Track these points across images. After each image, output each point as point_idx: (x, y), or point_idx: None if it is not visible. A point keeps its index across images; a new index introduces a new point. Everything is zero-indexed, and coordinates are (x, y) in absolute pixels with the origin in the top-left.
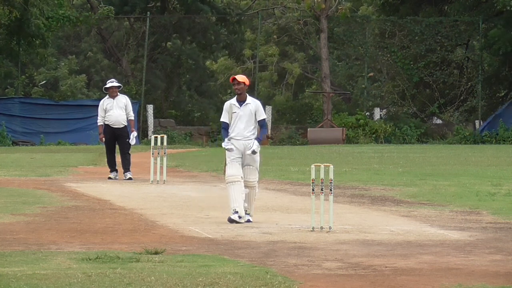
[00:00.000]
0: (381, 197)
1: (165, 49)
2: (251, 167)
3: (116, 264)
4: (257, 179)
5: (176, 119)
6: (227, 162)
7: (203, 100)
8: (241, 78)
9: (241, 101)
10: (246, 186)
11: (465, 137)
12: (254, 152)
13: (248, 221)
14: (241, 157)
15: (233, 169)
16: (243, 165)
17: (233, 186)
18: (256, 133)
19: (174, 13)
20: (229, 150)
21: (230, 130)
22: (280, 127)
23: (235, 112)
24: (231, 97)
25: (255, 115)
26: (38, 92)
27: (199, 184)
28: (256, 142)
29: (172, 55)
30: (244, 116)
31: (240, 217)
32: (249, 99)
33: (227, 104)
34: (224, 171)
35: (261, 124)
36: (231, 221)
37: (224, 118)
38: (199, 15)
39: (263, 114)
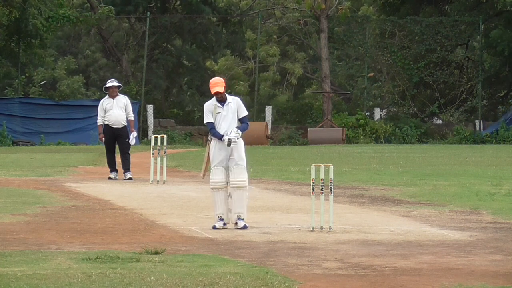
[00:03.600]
0: (381, 197)
1: (166, 49)
2: (239, 166)
3: (116, 264)
4: (247, 179)
5: (176, 119)
6: (212, 166)
7: (204, 100)
8: (222, 86)
9: (222, 101)
10: (236, 187)
11: (465, 137)
12: (229, 140)
13: (245, 227)
14: (227, 159)
15: (217, 175)
16: (231, 165)
17: (217, 193)
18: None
19: (175, 14)
20: (233, 141)
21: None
22: (280, 127)
23: (219, 113)
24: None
25: (238, 112)
26: (37, 92)
27: (199, 184)
28: (236, 131)
29: (173, 55)
30: (227, 116)
31: (225, 224)
32: (229, 98)
33: (209, 106)
34: (204, 171)
35: (243, 120)
36: (214, 228)
37: (209, 119)
38: (200, 16)
39: (245, 111)
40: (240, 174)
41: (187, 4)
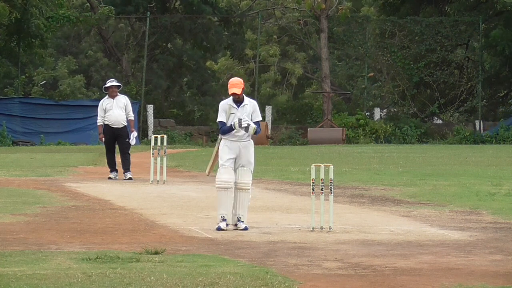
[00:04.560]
0: (381, 197)
1: (166, 49)
2: (245, 168)
3: (116, 264)
4: (251, 181)
5: (176, 119)
6: (220, 164)
7: (205, 99)
8: (240, 88)
9: (239, 102)
10: (239, 189)
11: (465, 137)
12: (239, 120)
13: (245, 228)
14: (235, 160)
15: (225, 174)
16: (236, 167)
17: (224, 192)
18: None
19: (175, 14)
20: (245, 124)
21: None
22: (280, 127)
23: (233, 113)
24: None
25: (252, 116)
26: (37, 92)
27: (199, 184)
28: (253, 125)
29: (173, 55)
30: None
31: (227, 225)
32: (246, 100)
33: (224, 105)
34: (209, 168)
35: (256, 124)
36: (219, 229)
37: (222, 118)
38: (200, 15)
39: (259, 115)
40: (245, 176)
41: (188, 4)
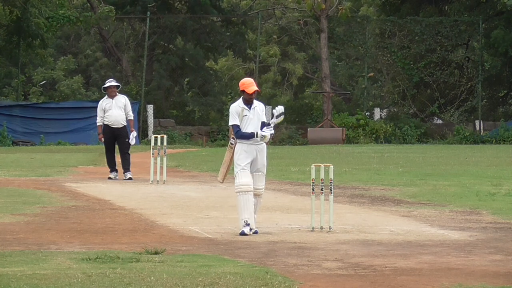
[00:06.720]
0: (381, 197)
1: (168, 49)
2: (260, 173)
3: (116, 264)
4: (264, 186)
5: (176, 119)
6: (237, 169)
7: (206, 99)
8: (256, 86)
9: (250, 104)
10: (254, 194)
11: (465, 137)
12: (281, 113)
13: (255, 232)
14: (251, 164)
15: (245, 178)
16: (253, 171)
17: (245, 196)
18: None
19: (177, 14)
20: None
21: None
22: (280, 127)
23: (246, 116)
24: (233, 98)
25: (260, 117)
26: (37, 92)
27: (199, 184)
28: (267, 127)
29: (175, 55)
30: (253, 120)
31: (251, 229)
32: (256, 102)
33: (237, 108)
34: (224, 175)
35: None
36: (243, 234)
37: (235, 121)
38: (202, 16)
39: (264, 117)
40: (260, 182)
41: (196, 5)
